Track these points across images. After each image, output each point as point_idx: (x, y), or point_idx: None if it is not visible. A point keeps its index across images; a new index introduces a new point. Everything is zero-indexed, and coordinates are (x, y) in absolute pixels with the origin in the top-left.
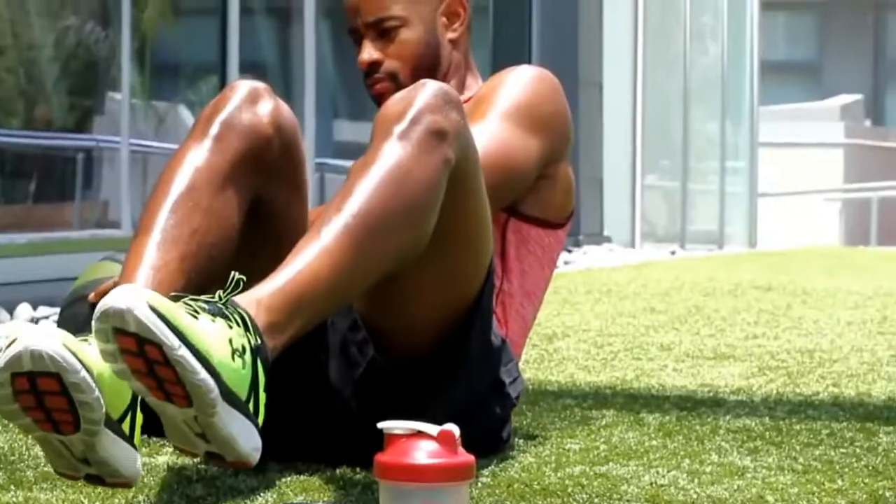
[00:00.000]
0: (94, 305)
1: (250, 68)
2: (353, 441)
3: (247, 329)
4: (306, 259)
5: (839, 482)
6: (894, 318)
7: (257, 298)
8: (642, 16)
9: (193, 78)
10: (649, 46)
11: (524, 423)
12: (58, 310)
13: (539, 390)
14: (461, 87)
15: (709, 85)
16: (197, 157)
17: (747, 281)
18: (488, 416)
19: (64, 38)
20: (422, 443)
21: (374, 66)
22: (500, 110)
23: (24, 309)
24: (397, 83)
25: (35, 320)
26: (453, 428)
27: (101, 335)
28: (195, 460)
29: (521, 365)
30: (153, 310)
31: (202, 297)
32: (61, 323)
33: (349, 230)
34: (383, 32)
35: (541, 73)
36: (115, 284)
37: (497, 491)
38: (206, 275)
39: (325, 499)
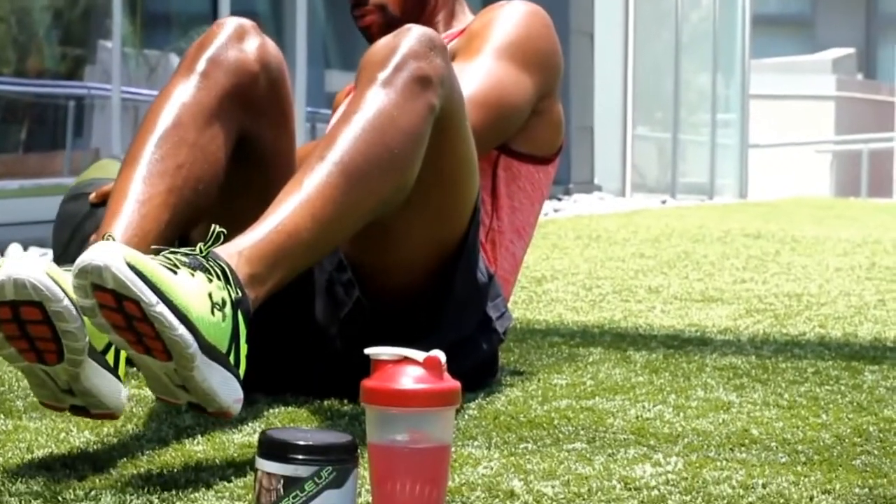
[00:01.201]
0: (94, 205)
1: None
2: (338, 379)
3: (227, 282)
4: (288, 209)
5: (824, 417)
6: (883, 265)
7: (238, 250)
8: None
9: (185, 27)
10: None
11: (511, 359)
12: (48, 251)
13: (526, 329)
14: (450, 18)
15: (700, 37)
16: (183, 94)
17: (737, 228)
18: (476, 350)
19: None
20: (407, 368)
21: None
22: (494, 46)
23: (14, 249)
24: (386, 15)
25: None
26: (439, 354)
27: (79, 290)
28: None
29: (508, 305)
30: (131, 266)
31: (182, 250)
32: (60, 217)
33: (332, 179)
34: None
35: (533, 9)
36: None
37: (483, 423)
38: (193, 208)
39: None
